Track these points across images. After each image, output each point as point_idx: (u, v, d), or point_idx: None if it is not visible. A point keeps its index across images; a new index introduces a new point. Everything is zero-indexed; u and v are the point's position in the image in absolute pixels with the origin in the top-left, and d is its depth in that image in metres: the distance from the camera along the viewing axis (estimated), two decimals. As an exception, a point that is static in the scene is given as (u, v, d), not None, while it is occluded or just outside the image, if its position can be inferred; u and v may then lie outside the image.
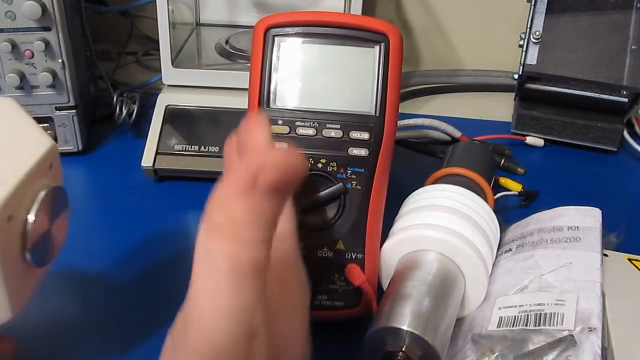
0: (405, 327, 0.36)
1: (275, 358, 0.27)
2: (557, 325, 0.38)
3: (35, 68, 0.58)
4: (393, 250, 0.43)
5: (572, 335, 0.37)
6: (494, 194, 0.51)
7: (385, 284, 0.44)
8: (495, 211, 0.47)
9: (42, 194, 0.32)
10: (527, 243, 0.46)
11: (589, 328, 0.37)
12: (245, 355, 0.24)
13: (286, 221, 0.32)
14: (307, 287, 0.32)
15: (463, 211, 0.44)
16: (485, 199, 0.48)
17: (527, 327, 0.39)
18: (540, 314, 0.39)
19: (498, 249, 0.47)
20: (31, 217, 0.31)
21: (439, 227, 0.42)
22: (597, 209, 0.47)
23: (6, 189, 0.29)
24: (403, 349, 0.36)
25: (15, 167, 0.31)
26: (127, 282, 0.48)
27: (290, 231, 0.32)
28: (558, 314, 0.39)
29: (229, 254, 0.24)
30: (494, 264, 0.45)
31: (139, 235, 0.53)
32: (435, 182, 0.51)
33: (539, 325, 0.39)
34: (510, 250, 0.46)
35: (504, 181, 0.61)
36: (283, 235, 0.30)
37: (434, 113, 0.73)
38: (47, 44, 0.57)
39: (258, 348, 0.25)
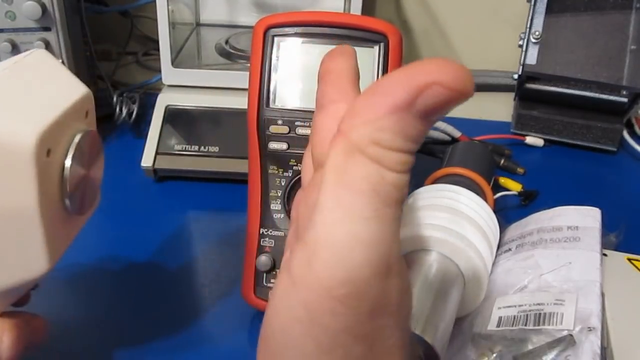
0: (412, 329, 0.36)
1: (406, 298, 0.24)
2: (556, 325, 0.38)
3: (35, 68, 0.58)
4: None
5: (571, 335, 0.37)
6: (494, 194, 0.51)
7: None
8: (495, 211, 0.47)
9: (79, 136, 0.32)
10: (527, 243, 0.46)
11: (589, 328, 0.37)
12: (382, 292, 0.21)
13: None
14: None
15: (463, 211, 0.44)
16: (485, 199, 0.48)
17: (527, 327, 0.39)
18: (540, 313, 0.39)
19: (498, 248, 0.47)
20: (68, 161, 0.31)
21: (438, 227, 0.42)
22: (597, 209, 0.47)
23: (45, 121, 0.29)
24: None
25: (53, 106, 0.31)
26: (127, 281, 0.48)
27: None
28: (557, 313, 0.39)
29: (372, 176, 0.21)
30: (493, 264, 0.46)
31: (138, 235, 0.53)
32: (435, 182, 0.51)
33: (539, 325, 0.39)
34: (509, 250, 0.46)
35: (504, 181, 0.61)
36: None
37: (434, 113, 0.73)
38: (47, 44, 0.57)
39: (394, 286, 0.22)
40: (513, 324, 0.39)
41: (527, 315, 0.39)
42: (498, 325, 0.40)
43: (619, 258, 0.45)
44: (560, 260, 0.43)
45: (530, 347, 0.38)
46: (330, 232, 0.21)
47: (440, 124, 0.66)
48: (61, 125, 0.31)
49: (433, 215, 0.44)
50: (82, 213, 0.34)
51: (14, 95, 0.30)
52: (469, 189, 0.47)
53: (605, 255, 0.43)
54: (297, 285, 0.22)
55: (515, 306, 0.41)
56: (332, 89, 0.24)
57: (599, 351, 0.36)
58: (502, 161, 0.64)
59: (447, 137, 0.67)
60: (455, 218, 0.43)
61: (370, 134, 0.21)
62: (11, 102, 0.29)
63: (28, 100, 0.30)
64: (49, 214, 0.30)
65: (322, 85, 0.25)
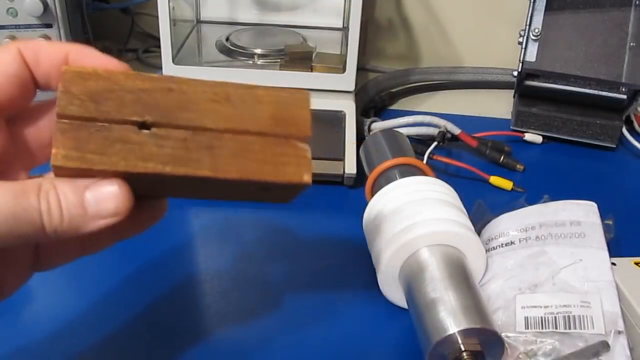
0: (451, 331, 0.36)
1: None
2: (588, 328, 0.39)
3: (37, 65, 0.58)
4: (390, 267, 0.43)
5: (606, 341, 0.38)
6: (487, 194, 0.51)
7: (394, 298, 0.45)
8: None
9: None
10: (532, 237, 0.46)
11: (618, 331, 0.38)
12: None
13: None
14: None
15: (424, 197, 0.45)
16: (425, 174, 0.49)
17: (557, 330, 0.39)
18: (569, 316, 0.40)
19: (495, 238, 0.47)
20: None
21: (415, 224, 0.43)
22: (594, 203, 0.48)
23: None
24: (463, 349, 0.36)
25: None
26: (127, 280, 0.49)
27: None
28: (587, 316, 0.39)
29: None
30: (499, 256, 0.46)
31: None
32: (374, 183, 0.51)
33: (569, 329, 0.39)
34: (512, 243, 0.46)
35: (494, 180, 0.61)
36: None
37: (434, 110, 0.73)
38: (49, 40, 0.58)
39: None
40: (542, 326, 0.40)
41: (555, 317, 0.40)
42: (526, 327, 0.40)
43: (627, 263, 0.45)
44: (572, 257, 0.43)
45: (566, 351, 0.38)
46: None
47: (439, 121, 0.66)
48: None
49: (403, 216, 0.44)
50: None
51: None
52: (410, 174, 0.47)
53: (614, 264, 0.43)
54: None
55: (540, 307, 0.41)
56: None
57: (629, 353, 0.37)
58: (501, 158, 0.64)
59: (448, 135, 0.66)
60: (422, 207, 0.44)
61: None
62: None
63: None
64: None
65: None
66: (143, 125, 0.27)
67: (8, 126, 0.29)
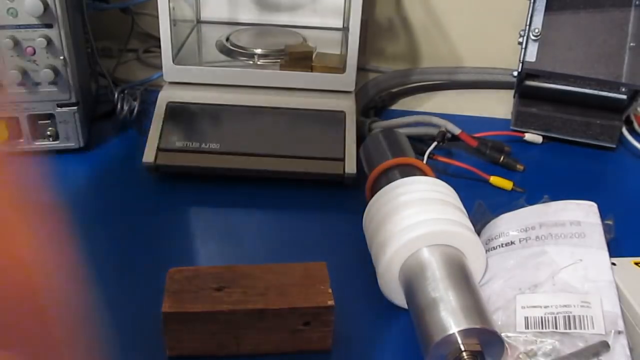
0: (451, 331, 0.36)
1: None
2: (588, 328, 0.39)
3: (37, 65, 0.58)
4: (390, 267, 0.43)
5: (606, 341, 0.38)
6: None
7: (397, 299, 0.45)
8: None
9: None
10: (532, 237, 0.46)
11: (618, 331, 0.38)
12: None
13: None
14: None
15: (424, 197, 0.45)
16: (425, 174, 0.49)
17: (557, 330, 0.39)
18: (569, 316, 0.40)
19: (495, 238, 0.48)
20: None
21: (415, 224, 0.43)
22: (594, 204, 0.48)
23: None
24: (463, 349, 0.36)
25: None
26: (128, 278, 0.49)
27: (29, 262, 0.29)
28: (587, 317, 0.39)
29: None
30: (499, 256, 0.46)
31: (140, 231, 0.54)
32: (374, 183, 0.51)
33: (569, 329, 0.39)
34: (512, 243, 0.47)
35: (494, 180, 0.61)
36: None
37: (434, 110, 0.73)
38: (49, 40, 0.58)
39: None
40: (542, 326, 0.40)
41: (555, 317, 0.40)
42: (526, 327, 0.40)
43: (626, 263, 0.45)
44: (572, 257, 0.43)
45: (566, 351, 0.38)
46: None
47: (439, 121, 0.66)
48: None
49: (402, 217, 0.44)
50: None
51: None
52: (409, 174, 0.47)
53: (614, 264, 0.43)
54: None
55: (540, 307, 0.41)
56: None
57: (629, 353, 0.37)
58: (501, 158, 0.64)
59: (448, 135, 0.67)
60: (422, 207, 0.44)
61: None
62: None
63: None
64: None
65: None
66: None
67: None
